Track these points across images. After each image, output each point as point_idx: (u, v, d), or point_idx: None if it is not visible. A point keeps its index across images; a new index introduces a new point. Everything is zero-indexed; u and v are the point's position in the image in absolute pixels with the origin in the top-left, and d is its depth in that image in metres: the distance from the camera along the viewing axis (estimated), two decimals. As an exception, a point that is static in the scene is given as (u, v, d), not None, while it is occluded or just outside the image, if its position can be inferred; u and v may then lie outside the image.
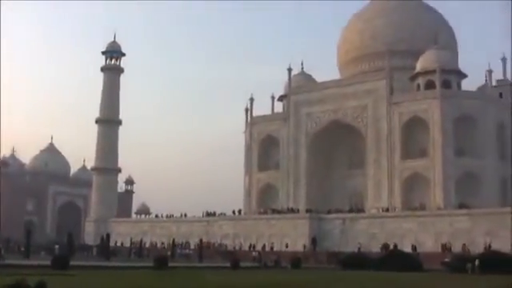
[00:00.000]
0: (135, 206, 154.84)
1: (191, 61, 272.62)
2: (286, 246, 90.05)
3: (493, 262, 53.81)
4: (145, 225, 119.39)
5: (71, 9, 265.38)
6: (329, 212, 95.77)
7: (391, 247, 77.66)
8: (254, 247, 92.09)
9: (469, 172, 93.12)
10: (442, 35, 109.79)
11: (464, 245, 76.51)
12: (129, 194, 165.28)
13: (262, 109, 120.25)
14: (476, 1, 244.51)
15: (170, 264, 55.08)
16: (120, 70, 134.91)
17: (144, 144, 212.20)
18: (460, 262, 56.27)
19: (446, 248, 77.89)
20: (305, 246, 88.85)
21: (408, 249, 76.44)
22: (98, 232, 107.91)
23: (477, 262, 54.54)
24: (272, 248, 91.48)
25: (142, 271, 49.55)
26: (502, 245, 73.82)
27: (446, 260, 62.05)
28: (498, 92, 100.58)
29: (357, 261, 62.90)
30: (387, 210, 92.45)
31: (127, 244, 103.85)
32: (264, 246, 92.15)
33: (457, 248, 76.53)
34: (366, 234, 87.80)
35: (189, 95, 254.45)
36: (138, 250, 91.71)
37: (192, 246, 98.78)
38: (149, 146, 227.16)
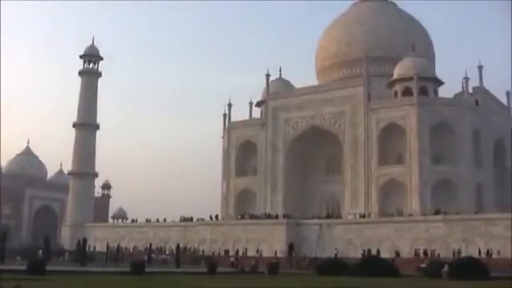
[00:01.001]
0: (112, 211, 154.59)
1: (170, 65, 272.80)
2: (257, 252, 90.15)
3: (467, 267, 54.17)
4: (122, 230, 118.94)
5: (49, 12, 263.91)
6: (306, 218, 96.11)
7: (374, 253, 78.34)
8: (236, 252, 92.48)
9: (445, 178, 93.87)
10: (419, 42, 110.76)
11: (433, 250, 77.79)
12: (105, 198, 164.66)
13: (240, 114, 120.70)
14: (453, 9, 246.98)
15: (147, 269, 54.84)
16: (98, 74, 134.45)
17: (121, 148, 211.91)
18: (435, 268, 56.57)
19: (419, 254, 78.66)
20: (282, 252, 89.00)
21: (387, 255, 76.85)
22: (75, 237, 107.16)
23: (445, 268, 55.10)
24: (243, 253, 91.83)
25: (119, 277, 49.30)
26: (477, 250, 74.97)
27: (422, 266, 62.38)
28: (474, 99, 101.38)
29: (333, 267, 62.91)
30: (364, 216, 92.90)
31: (104, 249, 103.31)
32: (237, 252, 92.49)
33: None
34: (342, 240, 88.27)
35: (167, 100, 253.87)
36: (115, 255, 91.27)
37: (168, 252, 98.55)
38: (126, 150, 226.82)
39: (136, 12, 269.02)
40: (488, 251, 74.66)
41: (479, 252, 74.37)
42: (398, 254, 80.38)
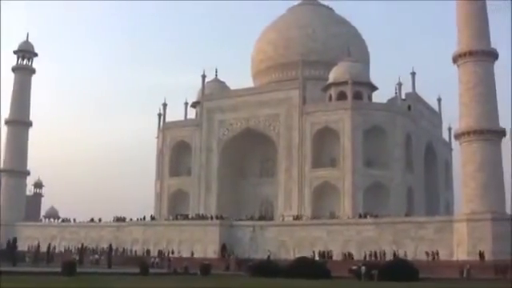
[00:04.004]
0: (44, 210, 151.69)
1: (105, 64, 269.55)
2: (192, 254, 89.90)
3: (397, 269, 55.10)
4: (53, 229, 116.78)
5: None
6: (239, 219, 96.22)
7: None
8: (159, 252, 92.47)
9: (377, 182, 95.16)
10: (354, 48, 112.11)
11: (365, 253, 78.72)
12: (37, 197, 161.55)
13: (175, 114, 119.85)
14: (389, 16, 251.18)
15: (79, 270, 54.01)
16: (32, 71, 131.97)
17: (55, 147, 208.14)
18: (367, 270, 57.28)
19: (348, 256, 79.76)
20: (215, 253, 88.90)
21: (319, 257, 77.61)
22: (5, 236, 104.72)
23: (363, 270, 56.03)
24: (171, 253, 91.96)
25: (50, 277, 48.33)
26: (407, 252, 76.31)
27: (354, 267, 63.10)
28: (407, 105, 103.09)
29: (266, 268, 63.13)
30: (297, 218, 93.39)
31: (35, 249, 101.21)
32: (163, 252, 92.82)
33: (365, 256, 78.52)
34: (275, 242, 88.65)
35: (101, 99, 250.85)
36: (46, 255, 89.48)
37: (99, 252, 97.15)
38: (60, 148, 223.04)
39: (73, 9, 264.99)
40: (433, 253, 76.00)
41: (427, 254, 75.77)
42: (330, 255, 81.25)
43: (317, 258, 79.37)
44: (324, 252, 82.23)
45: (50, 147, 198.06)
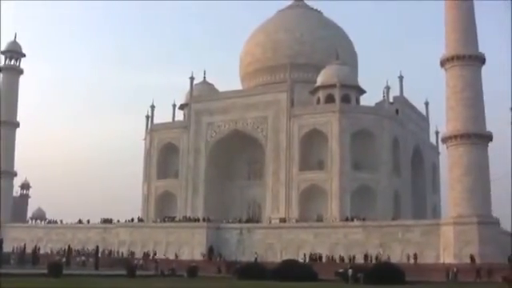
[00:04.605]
0: (30, 211, 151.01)
1: (93, 65, 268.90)
2: (176, 256, 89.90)
3: (384, 272, 55.25)
4: (40, 230, 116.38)
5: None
6: (227, 221, 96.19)
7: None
8: (144, 254, 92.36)
9: (364, 185, 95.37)
10: (343, 51, 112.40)
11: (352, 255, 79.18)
12: (24, 198, 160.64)
13: (163, 116, 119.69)
14: (377, 19, 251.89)
15: (65, 271, 53.89)
16: (19, 71, 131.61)
17: (42, 147, 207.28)
18: (354, 272, 57.42)
19: (332, 259, 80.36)
20: (202, 255, 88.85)
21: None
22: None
23: (350, 272, 56.21)
24: (154, 254, 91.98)
25: (36, 278, 48.13)
26: (393, 256, 76.59)
27: (340, 270, 63.21)
28: (395, 108, 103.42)
29: (253, 271, 63.15)
30: (284, 220, 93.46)
31: (21, 250, 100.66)
32: (148, 253, 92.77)
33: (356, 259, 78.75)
34: (262, 244, 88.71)
35: (89, 100, 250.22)
36: (32, 256, 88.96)
37: (85, 254, 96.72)
38: (46, 149, 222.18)
39: (61, 9, 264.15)
40: (415, 255, 76.27)
41: (408, 258, 76.08)
42: (319, 258, 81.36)
43: (307, 260, 79.55)
44: (315, 255, 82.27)
45: (37, 148, 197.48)
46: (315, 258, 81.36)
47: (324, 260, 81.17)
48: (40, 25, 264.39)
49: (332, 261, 79.99)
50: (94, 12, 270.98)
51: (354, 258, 79.18)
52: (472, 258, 71.02)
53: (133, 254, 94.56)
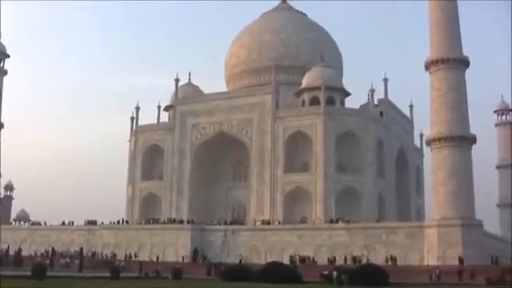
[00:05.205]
0: (14, 213, 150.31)
1: (78, 66, 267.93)
2: (157, 258, 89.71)
3: (368, 274, 55.38)
4: (23, 232, 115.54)
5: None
6: (211, 223, 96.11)
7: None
8: (125, 256, 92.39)
9: (349, 187, 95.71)
10: (327, 53, 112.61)
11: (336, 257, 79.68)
12: (8, 199, 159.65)
13: (148, 118, 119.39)
14: (362, 21, 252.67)
15: (49, 273, 53.57)
16: (3, 72, 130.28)
17: (26, 149, 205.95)
18: (338, 274, 57.52)
19: (332, 261, 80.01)
20: (186, 257, 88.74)
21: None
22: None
23: (335, 274, 56.33)
24: (134, 256, 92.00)
25: (19, 280, 47.77)
26: (377, 258, 76.79)
27: (325, 272, 63.27)
28: (379, 111, 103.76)
29: (237, 272, 63.10)
30: (269, 222, 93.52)
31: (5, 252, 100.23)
32: (126, 256, 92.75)
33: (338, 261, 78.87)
34: (247, 246, 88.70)
35: (73, 101, 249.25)
36: (15, 258, 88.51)
37: (68, 256, 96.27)
38: (31, 150, 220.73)
39: (46, 10, 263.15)
40: (392, 257, 76.63)
41: (386, 260, 76.28)
42: (306, 260, 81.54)
43: (298, 262, 79.58)
44: (304, 257, 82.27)
45: (21, 149, 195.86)
46: (304, 260, 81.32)
47: (311, 262, 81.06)
48: (25, 25, 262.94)
49: (314, 263, 79.76)
50: (79, 13, 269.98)
51: (334, 259, 79.47)
52: (461, 259, 71.27)
53: (115, 255, 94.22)
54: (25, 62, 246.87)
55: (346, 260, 78.38)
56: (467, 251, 72.53)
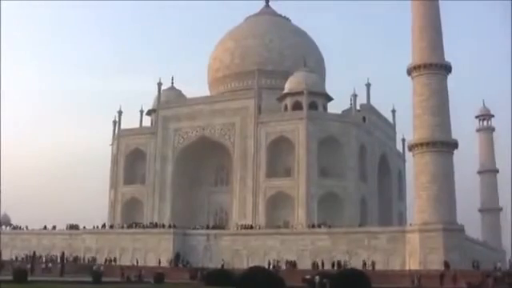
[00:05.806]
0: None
1: (59, 69, 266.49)
2: (137, 261, 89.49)
3: (349, 279, 55.39)
4: (4, 236, 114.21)
5: None
6: (194, 228, 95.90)
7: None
8: (105, 260, 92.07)
9: (331, 192, 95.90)
10: (310, 58, 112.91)
11: (318, 262, 79.94)
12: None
13: (130, 122, 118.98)
14: (345, 27, 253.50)
15: (30, 278, 53.20)
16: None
17: (6, 152, 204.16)
18: (321, 279, 57.51)
19: (293, 265, 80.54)
20: (169, 261, 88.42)
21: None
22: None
23: (317, 279, 56.34)
24: (113, 260, 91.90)
25: (-1, 285, 47.41)
26: (359, 262, 76.82)
27: (308, 277, 63.24)
28: (362, 116, 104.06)
29: (219, 277, 62.90)
30: (251, 227, 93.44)
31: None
32: (110, 260, 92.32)
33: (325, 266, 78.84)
34: (229, 251, 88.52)
35: (56, 105, 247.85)
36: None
37: (49, 260, 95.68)
38: (12, 154, 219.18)
39: (26, 11, 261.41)
40: (372, 262, 76.72)
41: (364, 264, 76.23)
42: (294, 264, 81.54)
43: (284, 267, 79.48)
44: (291, 261, 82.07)
45: (2, 153, 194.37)
46: (294, 264, 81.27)
47: (304, 267, 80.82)
48: (5, 27, 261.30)
49: (316, 267, 79.53)
50: (60, 16, 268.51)
51: (317, 264, 79.48)
52: (446, 263, 71.39)
53: (94, 259, 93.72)
54: (4, 65, 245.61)
55: (333, 265, 78.14)
56: (449, 256, 72.77)
